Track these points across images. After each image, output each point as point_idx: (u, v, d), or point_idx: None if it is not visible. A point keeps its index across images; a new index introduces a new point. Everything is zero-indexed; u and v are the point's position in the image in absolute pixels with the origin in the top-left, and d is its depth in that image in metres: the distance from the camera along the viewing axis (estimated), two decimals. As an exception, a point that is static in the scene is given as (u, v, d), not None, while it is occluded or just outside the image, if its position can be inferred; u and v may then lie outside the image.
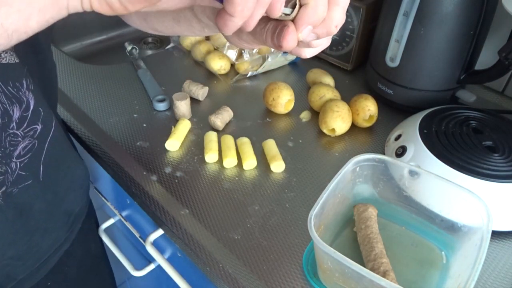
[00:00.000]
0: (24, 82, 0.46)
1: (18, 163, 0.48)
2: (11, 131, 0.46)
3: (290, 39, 0.32)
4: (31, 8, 0.26)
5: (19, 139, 0.47)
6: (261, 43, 0.36)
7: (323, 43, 0.36)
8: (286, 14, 0.32)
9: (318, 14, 0.31)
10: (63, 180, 0.57)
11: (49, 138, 0.52)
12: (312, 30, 0.32)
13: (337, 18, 0.32)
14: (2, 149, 0.46)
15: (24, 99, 0.46)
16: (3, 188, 0.47)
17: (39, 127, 0.50)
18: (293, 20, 0.32)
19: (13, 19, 0.25)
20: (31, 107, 0.47)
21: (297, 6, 0.31)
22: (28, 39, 0.29)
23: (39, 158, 0.51)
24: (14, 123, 0.46)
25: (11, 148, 0.47)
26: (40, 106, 0.49)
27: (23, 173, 0.49)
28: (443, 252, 0.53)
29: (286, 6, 0.31)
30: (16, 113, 0.46)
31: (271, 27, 0.33)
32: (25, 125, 0.48)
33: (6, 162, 0.47)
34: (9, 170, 0.47)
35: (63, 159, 0.57)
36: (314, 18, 0.31)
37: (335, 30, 0.33)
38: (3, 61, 0.43)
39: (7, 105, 0.44)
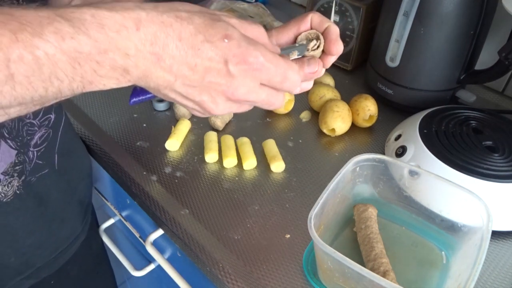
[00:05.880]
0: None
1: (35, 152, 0.50)
2: (27, 121, 0.47)
3: (339, 47, 0.38)
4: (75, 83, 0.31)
5: (36, 128, 0.49)
6: None
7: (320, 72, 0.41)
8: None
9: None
10: (75, 169, 0.59)
11: (61, 127, 0.54)
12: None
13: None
14: (20, 138, 0.47)
15: None
16: (23, 177, 0.49)
17: (52, 116, 0.52)
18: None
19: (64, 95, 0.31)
20: None
21: (321, 38, 0.39)
22: None
23: (54, 147, 0.53)
24: (31, 113, 0.47)
25: (28, 138, 0.48)
26: None
27: (40, 162, 0.51)
28: (443, 252, 0.53)
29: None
30: None
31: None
32: (40, 114, 0.49)
33: (24, 152, 0.48)
34: (27, 159, 0.49)
35: (74, 148, 0.59)
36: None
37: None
38: None
39: None
